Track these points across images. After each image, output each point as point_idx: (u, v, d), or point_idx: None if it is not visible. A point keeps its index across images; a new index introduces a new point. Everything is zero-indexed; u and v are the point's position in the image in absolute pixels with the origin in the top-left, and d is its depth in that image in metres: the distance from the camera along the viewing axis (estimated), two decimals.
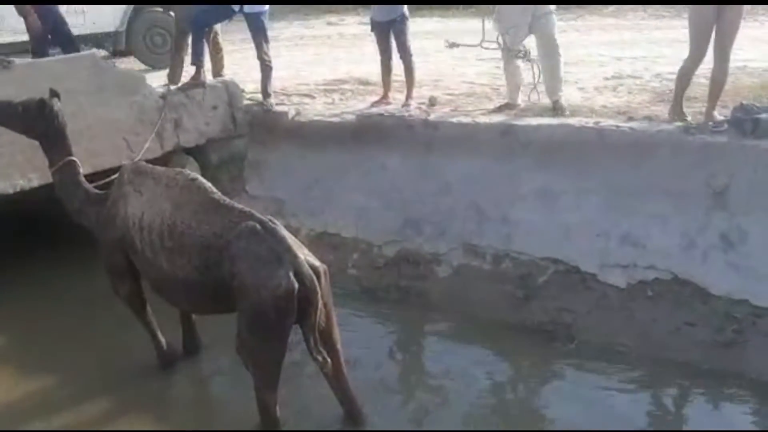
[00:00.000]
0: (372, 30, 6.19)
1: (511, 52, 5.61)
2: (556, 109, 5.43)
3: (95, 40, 7.98)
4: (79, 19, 7.38)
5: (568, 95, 6.02)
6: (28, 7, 6.02)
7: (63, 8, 6.67)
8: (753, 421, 3.72)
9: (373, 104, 6.17)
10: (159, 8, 8.13)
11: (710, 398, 3.87)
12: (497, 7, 5.72)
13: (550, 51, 5.50)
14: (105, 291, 4.08)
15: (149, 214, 3.55)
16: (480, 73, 7.44)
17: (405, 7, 6.04)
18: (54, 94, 3.94)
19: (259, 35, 6.02)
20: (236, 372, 3.81)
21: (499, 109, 5.65)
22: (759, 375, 3.90)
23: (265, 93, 6.17)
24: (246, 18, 6.00)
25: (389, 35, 6.06)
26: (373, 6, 6.16)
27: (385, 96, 6.23)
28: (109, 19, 7.85)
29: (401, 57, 6.13)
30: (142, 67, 8.06)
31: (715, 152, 4.58)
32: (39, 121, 3.90)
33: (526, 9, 5.42)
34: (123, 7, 7.99)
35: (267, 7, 6.03)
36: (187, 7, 6.14)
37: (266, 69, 6.12)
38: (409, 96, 6.10)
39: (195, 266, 3.32)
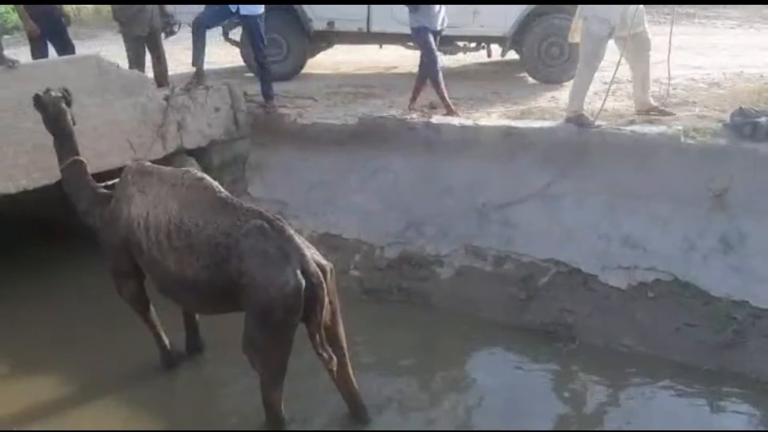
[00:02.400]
0: (418, 38, 5.88)
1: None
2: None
3: (481, 42, 7.43)
4: (467, 19, 6.95)
5: (566, 99, 6.07)
6: (22, 8, 6.03)
7: (455, 8, 6.47)
8: (753, 421, 3.76)
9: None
10: (562, 14, 6.70)
11: (710, 398, 3.91)
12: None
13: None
14: (107, 291, 4.09)
15: (155, 213, 3.56)
16: (480, 77, 7.48)
17: None
18: (65, 94, 3.98)
19: (254, 37, 6.04)
20: (239, 371, 3.83)
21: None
22: (759, 375, 3.95)
23: (266, 95, 6.19)
24: (242, 20, 6.02)
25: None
26: (421, 13, 5.78)
27: (450, 110, 5.81)
28: (500, 21, 6.97)
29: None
30: (531, 81, 7.15)
31: (714, 155, 4.64)
32: (46, 118, 3.97)
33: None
34: (520, 8, 6.93)
35: (262, 8, 6.04)
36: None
37: (264, 72, 6.13)
38: (414, 99, 6.05)
39: (203, 265, 3.34)
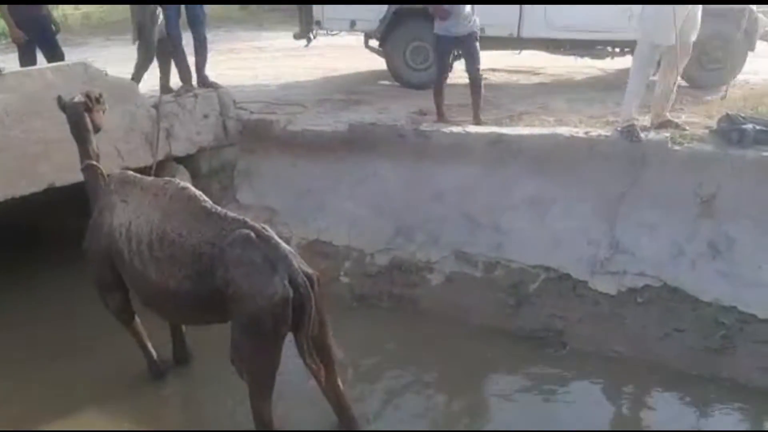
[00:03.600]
0: (439, 46, 5.76)
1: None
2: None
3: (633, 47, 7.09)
4: (621, 23, 6.58)
5: (557, 106, 6.09)
6: (6, 14, 5.96)
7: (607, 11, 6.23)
8: (742, 426, 3.78)
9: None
10: (725, 18, 6.28)
11: (700, 403, 3.93)
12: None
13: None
14: (94, 300, 4.06)
15: (137, 223, 3.53)
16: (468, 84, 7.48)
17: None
18: (87, 100, 3.94)
19: (196, 23, 6.00)
20: (227, 382, 3.80)
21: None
22: (747, 380, 3.97)
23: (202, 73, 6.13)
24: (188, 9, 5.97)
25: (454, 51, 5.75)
26: (443, 19, 5.60)
27: (441, 115, 5.82)
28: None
29: (473, 72, 5.75)
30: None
31: (702, 161, 4.66)
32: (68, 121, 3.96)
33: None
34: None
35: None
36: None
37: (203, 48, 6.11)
38: (477, 116, 5.76)
39: (187, 275, 3.31)
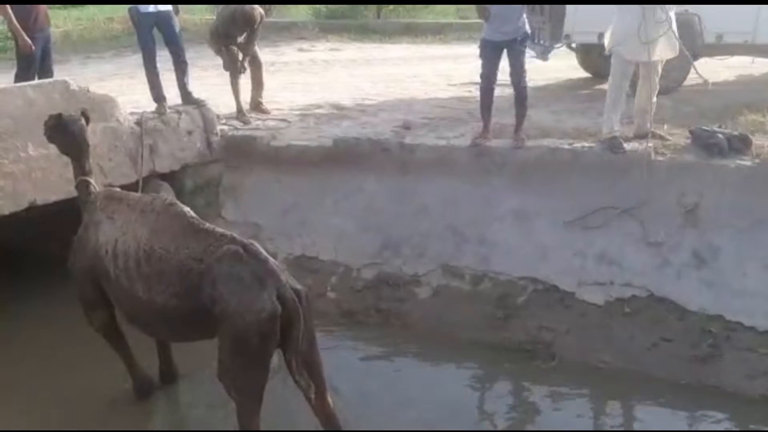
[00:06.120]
0: (482, 51, 5.33)
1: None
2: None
3: None
4: None
5: (541, 118, 6.13)
6: (16, 24, 5.84)
7: None
8: None
9: (475, 140, 5.43)
10: None
11: (689, 412, 3.94)
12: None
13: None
14: (79, 318, 3.98)
15: (123, 240, 3.49)
16: (452, 97, 7.53)
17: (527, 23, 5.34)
18: (84, 115, 3.93)
19: (169, 34, 5.85)
20: (214, 400, 3.76)
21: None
22: (735, 388, 3.99)
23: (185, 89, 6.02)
24: (157, 18, 5.77)
25: (500, 58, 5.32)
26: (489, 22, 5.21)
27: (486, 131, 5.46)
28: None
29: (516, 81, 5.31)
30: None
31: (684, 172, 4.72)
32: (58, 137, 3.92)
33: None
34: None
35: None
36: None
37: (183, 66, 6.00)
38: (519, 129, 5.39)
39: (174, 292, 3.27)
